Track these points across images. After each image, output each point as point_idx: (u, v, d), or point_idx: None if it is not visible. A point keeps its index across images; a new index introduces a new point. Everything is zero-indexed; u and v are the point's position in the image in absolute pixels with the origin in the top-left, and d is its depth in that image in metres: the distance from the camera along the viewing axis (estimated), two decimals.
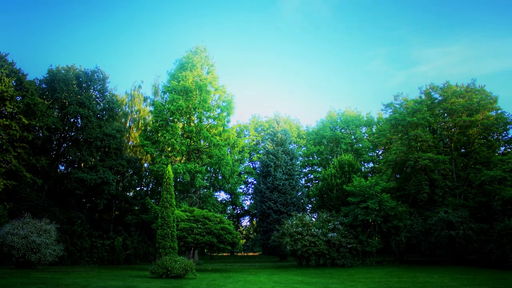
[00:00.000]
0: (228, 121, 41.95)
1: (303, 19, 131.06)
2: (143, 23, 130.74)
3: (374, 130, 56.95)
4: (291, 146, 48.72)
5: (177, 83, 39.36)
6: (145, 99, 48.28)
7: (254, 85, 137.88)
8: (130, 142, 45.65)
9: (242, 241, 63.39)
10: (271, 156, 46.20)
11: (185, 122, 40.12)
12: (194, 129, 38.72)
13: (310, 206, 51.04)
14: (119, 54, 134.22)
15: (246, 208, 62.51)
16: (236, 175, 43.21)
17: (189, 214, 29.55)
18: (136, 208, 41.96)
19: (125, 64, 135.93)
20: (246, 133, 62.49)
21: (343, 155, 41.49)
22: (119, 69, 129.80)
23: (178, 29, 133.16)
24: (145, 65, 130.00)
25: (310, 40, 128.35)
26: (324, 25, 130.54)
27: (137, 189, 48.26)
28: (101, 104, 38.24)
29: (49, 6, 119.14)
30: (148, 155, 40.77)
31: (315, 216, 39.77)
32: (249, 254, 68.49)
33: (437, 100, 36.26)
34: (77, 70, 36.75)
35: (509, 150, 36.33)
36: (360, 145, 54.72)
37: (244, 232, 64.60)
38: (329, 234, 31.68)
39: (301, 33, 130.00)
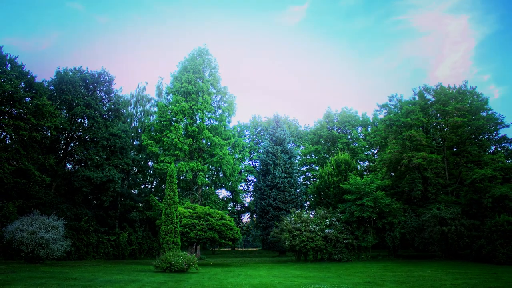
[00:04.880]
0: (229, 121, 42.98)
1: (302, 21, 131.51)
2: (147, 24, 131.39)
3: (369, 130, 57.72)
4: (290, 146, 49.44)
5: (180, 85, 40.35)
6: (149, 100, 49.03)
7: (254, 86, 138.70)
8: (135, 141, 46.44)
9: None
10: (270, 155, 46.99)
11: (187, 122, 41.04)
12: (197, 129, 39.71)
13: (308, 203, 51.75)
14: (124, 56, 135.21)
15: (246, 205, 63.34)
16: (237, 173, 44.20)
17: (191, 210, 30.18)
18: (141, 205, 42.73)
19: (130, 65, 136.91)
20: (246, 132, 63.24)
21: (339, 154, 41.97)
22: (124, 70, 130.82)
23: (181, 30, 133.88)
24: (149, 66, 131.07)
25: (310, 42, 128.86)
26: (324, 27, 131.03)
27: (142, 186, 48.89)
28: (107, 105, 38.71)
29: (54, 9, 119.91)
30: (152, 154, 41.70)
31: (312, 213, 40.41)
32: (249, 249, 69.58)
33: (430, 101, 36.89)
34: (84, 72, 37.14)
35: (499, 149, 36.81)
36: (356, 144, 55.59)
37: (244, 228, 65.50)
38: (326, 230, 32.50)
39: (300, 34, 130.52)
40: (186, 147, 38.73)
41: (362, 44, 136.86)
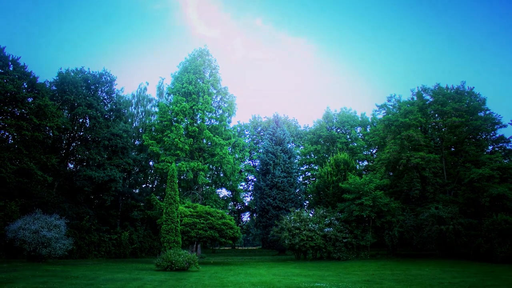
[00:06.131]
0: (229, 121, 43.35)
1: (301, 21, 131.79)
2: (148, 25, 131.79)
3: (368, 130, 58.11)
4: (289, 145, 49.73)
5: (181, 86, 40.65)
6: (150, 100, 49.27)
7: (254, 86, 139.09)
8: (136, 141, 46.67)
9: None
10: (270, 155, 47.29)
11: (188, 122, 41.35)
12: (197, 129, 40.02)
13: (307, 202, 52.03)
14: (125, 57, 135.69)
15: (246, 204, 63.65)
16: (237, 173, 44.52)
17: (192, 210, 30.47)
18: (142, 204, 42.95)
19: (132, 66, 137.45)
20: (246, 132, 63.62)
21: (339, 153, 42.34)
22: (126, 71, 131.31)
23: (181, 30, 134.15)
24: (150, 67, 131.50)
25: (309, 42, 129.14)
26: (323, 27, 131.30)
27: (143, 186, 49.24)
28: (109, 105, 39.01)
29: (58, 11, 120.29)
30: (153, 154, 42.01)
31: (312, 212, 40.56)
32: (249, 248, 69.87)
33: (428, 102, 37.22)
34: (86, 72, 37.42)
35: (497, 149, 36.98)
36: (355, 144, 55.91)
37: (244, 227, 65.87)
38: (326, 229, 32.82)
39: (300, 35, 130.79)
40: (186, 147, 39.04)
41: (363, 43, 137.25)
